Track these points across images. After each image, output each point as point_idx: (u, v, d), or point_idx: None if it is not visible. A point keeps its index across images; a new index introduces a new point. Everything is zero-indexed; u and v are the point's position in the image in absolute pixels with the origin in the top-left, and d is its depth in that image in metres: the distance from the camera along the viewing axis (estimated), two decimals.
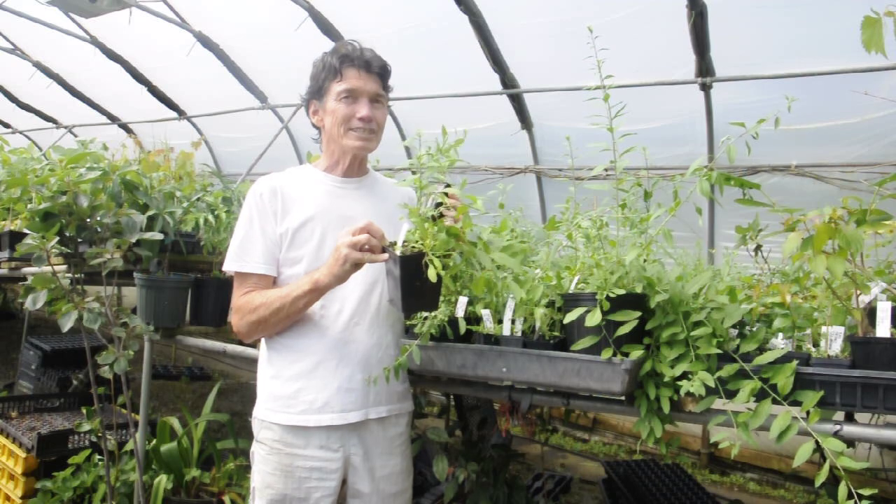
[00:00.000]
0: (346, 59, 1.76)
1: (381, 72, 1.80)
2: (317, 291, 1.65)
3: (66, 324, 2.20)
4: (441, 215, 1.57)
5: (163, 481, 2.82)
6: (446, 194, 1.61)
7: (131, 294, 2.92)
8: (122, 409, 3.49)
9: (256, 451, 1.79)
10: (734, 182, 1.51)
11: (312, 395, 1.72)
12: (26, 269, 3.24)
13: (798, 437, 1.37)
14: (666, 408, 1.51)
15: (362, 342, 1.76)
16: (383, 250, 1.54)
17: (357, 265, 1.56)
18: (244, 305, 1.74)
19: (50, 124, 8.28)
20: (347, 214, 1.78)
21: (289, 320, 1.74)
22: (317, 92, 1.83)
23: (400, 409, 1.86)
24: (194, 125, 7.06)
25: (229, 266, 1.79)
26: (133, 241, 2.41)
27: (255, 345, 1.90)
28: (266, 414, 1.76)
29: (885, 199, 1.40)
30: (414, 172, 1.76)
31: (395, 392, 1.84)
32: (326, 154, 1.88)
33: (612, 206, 1.66)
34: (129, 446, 2.91)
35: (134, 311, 2.59)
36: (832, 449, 1.28)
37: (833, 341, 1.43)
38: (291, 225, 1.76)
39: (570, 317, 1.53)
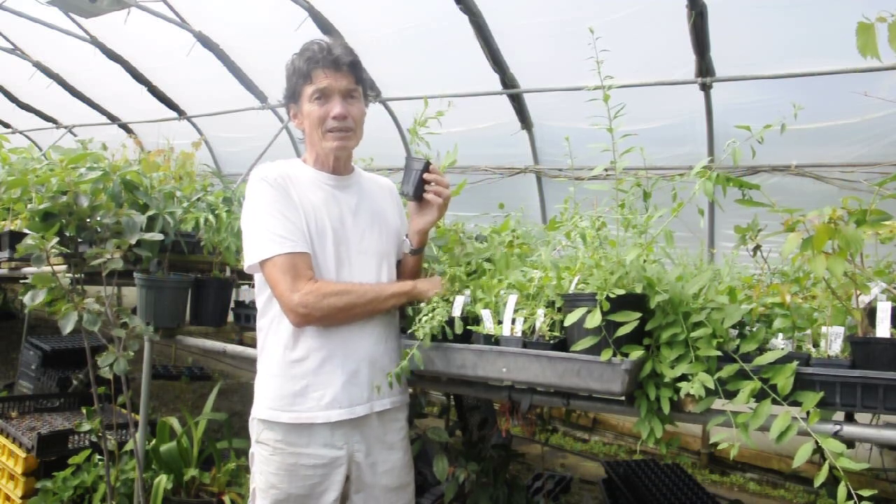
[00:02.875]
0: (312, 61, 1.74)
1: (351, 67, 1.77)
2: (410, 297, 1.79)
3: (67, 326, 2.19)
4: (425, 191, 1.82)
5: (163, 481, 2.82)
6: (428, 169, 1.80)
7: (131, 294, 2.92)
8: (122, 409, 3.49)
9: (257, 452, 1.79)
10: (734, 183, 1.51)
11: (320, 391, 1.73)
12: (26, 269, 3.24)
13: (798, 436, 1.37)
14: (666, 408, 1.51)
15: (365, 337, 1.78)
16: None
17: None
18: (324, 286, 1.69)
19: (50, 124, 8.29)
20: (347, 212, 1.82)
21: (372, 314, 1.77)
22: (292, 96, 1.82)
23: (401, 399, 1.90)
24: (194, 125, 7.07)
25: (271, 251, 1.68)
26: (133, 241, 2.40)
27: (255, 344, 1.90)
28: (269, 414, 1.76)
29: (885, 199, 1.40)
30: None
31: (396, 384, 1.86)
32: (311, 154, 1.87)
33: (612, 206, 1.66)
34: (129, 446, 2.91)
35: (134, 311, 2.59)
36: (832, 450, 1.28)
37: (833, 341, 1.43)
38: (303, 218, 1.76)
39: (571, 317, 1.53)
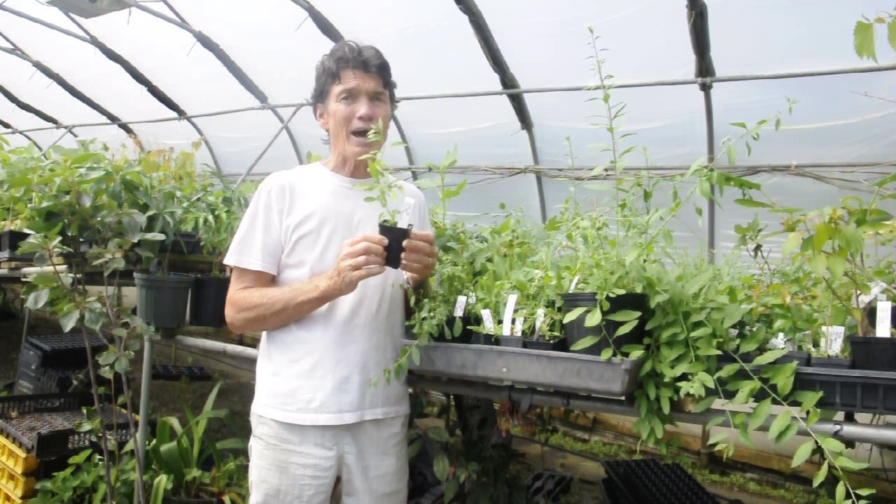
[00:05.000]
0: (342, 61, 1.78)
1: (379, 70, 1.81)
2: (322, 300, 1.70)
3: (68, 324, 2.20)
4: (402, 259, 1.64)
5: (163, 481, 2.82)
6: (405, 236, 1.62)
7: (131, 294, 2.92)
8: (122, 409, 3.48)
9: (254, 445, 1.81)
10: (734, 182, 1.51)
11: (309, 394, 1.73)
12: (27, 269, 3.24)
13: (798, 436, 1.37)
14: (666, 408, 1.51)
15: (361, 344, 1.77)
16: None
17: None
18: (241, 301, 1.76)
19: (50, 124, 8.29)
20: (354, 216, 1.80)
21: (288, 321, 1.76)
22: (319, 95, 1.85)
23: (396, 411, 1.86)
24: (194, 125, 7.07)
25: (229, 260, 1.80)
26: (135, 240, 2.41)
27: (255, 344, 1.91)
28: (264, 410, 1.78)
29: (885, 199, 1.40)
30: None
31: (391, 394, 1.84)
32: (334, 155, 1.89)
33: (612, 206, 1.66)
34: (129, 446, 2.91)
35: (134, 311, 2.59)
36: (831, 449, 1.28)
37: (833, 341, 1.43)
38: (297, 225, 1.76)
39: (570, 317, 1.53)
